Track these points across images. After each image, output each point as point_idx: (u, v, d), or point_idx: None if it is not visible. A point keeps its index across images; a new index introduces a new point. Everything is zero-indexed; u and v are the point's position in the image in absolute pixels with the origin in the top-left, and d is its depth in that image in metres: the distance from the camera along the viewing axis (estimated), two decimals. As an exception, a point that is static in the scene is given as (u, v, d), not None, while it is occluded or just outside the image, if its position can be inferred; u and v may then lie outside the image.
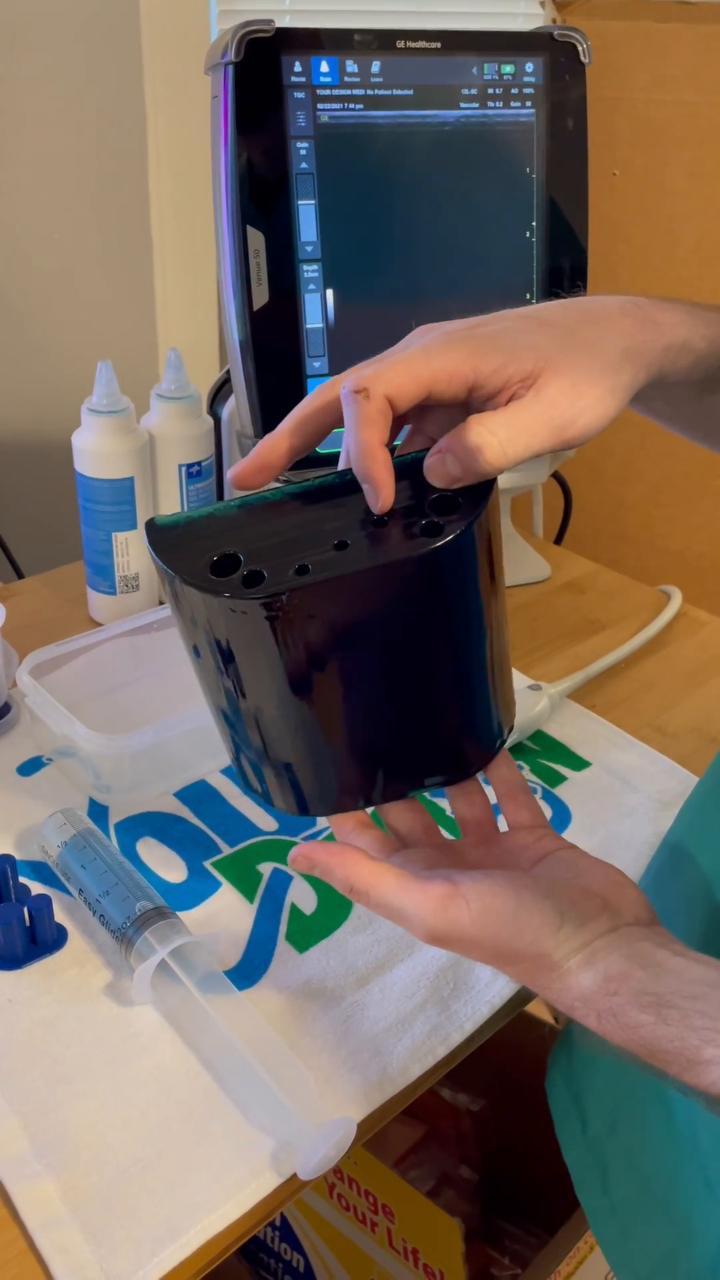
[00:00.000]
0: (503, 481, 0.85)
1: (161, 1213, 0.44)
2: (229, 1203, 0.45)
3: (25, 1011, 0.52)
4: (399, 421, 0.44)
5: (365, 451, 0.40)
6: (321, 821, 0.64)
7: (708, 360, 0.47)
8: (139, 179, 1.20)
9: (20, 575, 1.13)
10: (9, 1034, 0.51)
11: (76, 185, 1.16)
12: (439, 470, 0.41)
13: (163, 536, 0.42)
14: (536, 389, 0.41)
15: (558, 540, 1.05)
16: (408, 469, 0.43)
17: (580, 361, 0.41)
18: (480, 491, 0.41)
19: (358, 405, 0.40)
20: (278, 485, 0.45)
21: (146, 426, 0.77)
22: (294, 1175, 0.46)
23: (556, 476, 1.02)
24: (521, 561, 0.93)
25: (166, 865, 0.61)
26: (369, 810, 0.48)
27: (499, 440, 0.40)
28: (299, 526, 0.42)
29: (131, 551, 0.79)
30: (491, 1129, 1.12)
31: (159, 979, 0.53)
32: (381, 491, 0.40)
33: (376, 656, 0.43)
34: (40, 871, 0.60)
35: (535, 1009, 1.28)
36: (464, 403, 0.42)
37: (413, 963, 0.56)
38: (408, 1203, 0.87)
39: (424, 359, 0.41)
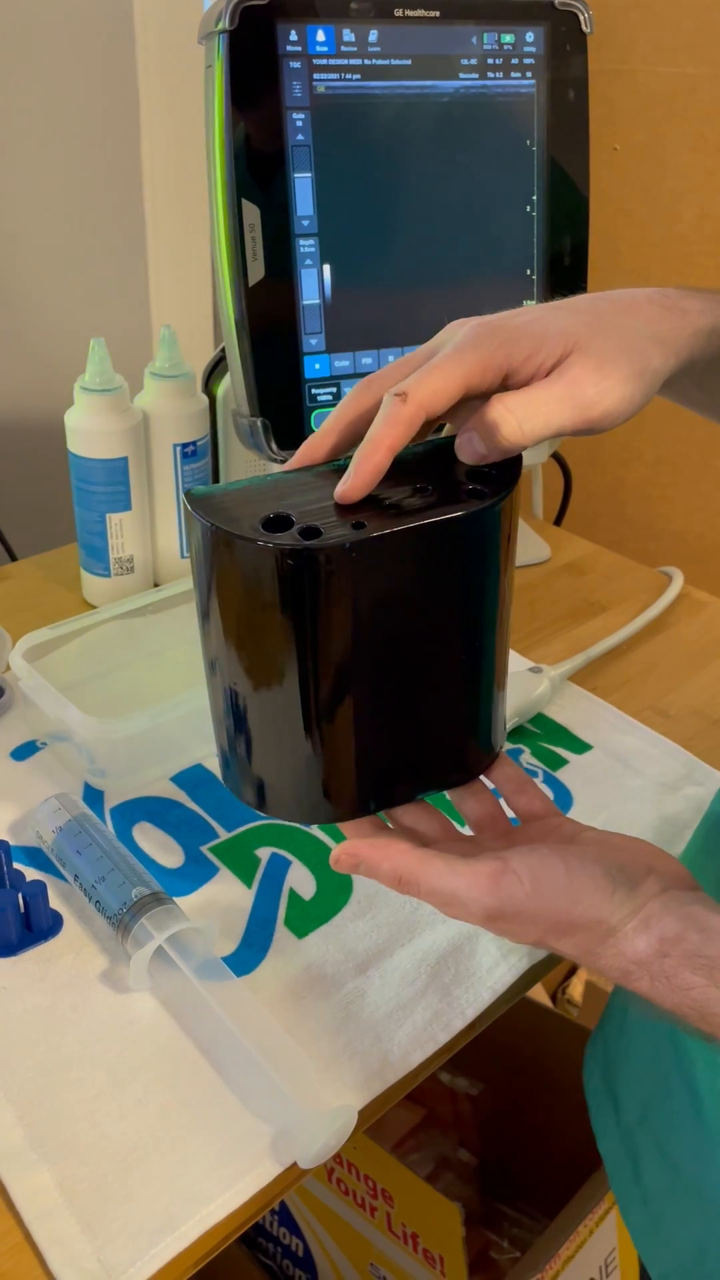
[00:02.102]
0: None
1: (159, 1203, 0.44)
2: (228, 1192, 0.44)
3: (20, 999, 0.52)
4: (434, 421, 0.44)
5: (371, 443, 0.41)
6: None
7: None
8: (131, 153, 1.18)
9: (13, 557, 1.12)
10: (4, 1022, 0.50)
11: (67, 161, 1.14)
12: (467, 448, 0.42)
13: (203, 504, 0.42)
14: (561, 369, 0.41)
15: (557, 521, 1.04)
16: (441, 451, 0.44)
17: (608, 344, 0.42)
18: (511, 470, 0.43)
19: (393, 405, 0.41)
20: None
21: (140, 405, 0.76)
22: (294, 1164, 0.46)
23: (556, 457, 1.01)
24: (522, 543, 0.92)
25: (163, 850, 0.60)
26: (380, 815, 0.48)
27: (516, 418, 0.41)
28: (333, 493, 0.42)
29: (126, 533, 0.77)
30: (490, 1113, 1.12)
31: (156, 965, 0.52)
32: (354, 479, 0.41)
33: (417, 628, 0.43)
34: (35, 857, 0.59)
35: (535, 994, 1.28)
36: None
37: (413, 948, 0.55)
38: (407, 1187, 0.86)
39: (457, 360, 0.42)
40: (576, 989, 1.31)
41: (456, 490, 0.42)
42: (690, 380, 0.48)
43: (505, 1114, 1.11)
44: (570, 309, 0.44)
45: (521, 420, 0.41)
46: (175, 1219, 0.43)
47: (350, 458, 0.43)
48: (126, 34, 1.06)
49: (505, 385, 0.42)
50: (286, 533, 0.40)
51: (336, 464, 0.44)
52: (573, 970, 1.31)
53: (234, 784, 0.48)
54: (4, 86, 1.07)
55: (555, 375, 0.41)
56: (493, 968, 0.54)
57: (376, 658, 0.43)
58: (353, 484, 0.41)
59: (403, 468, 0.43)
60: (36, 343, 1.16)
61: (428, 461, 0.44)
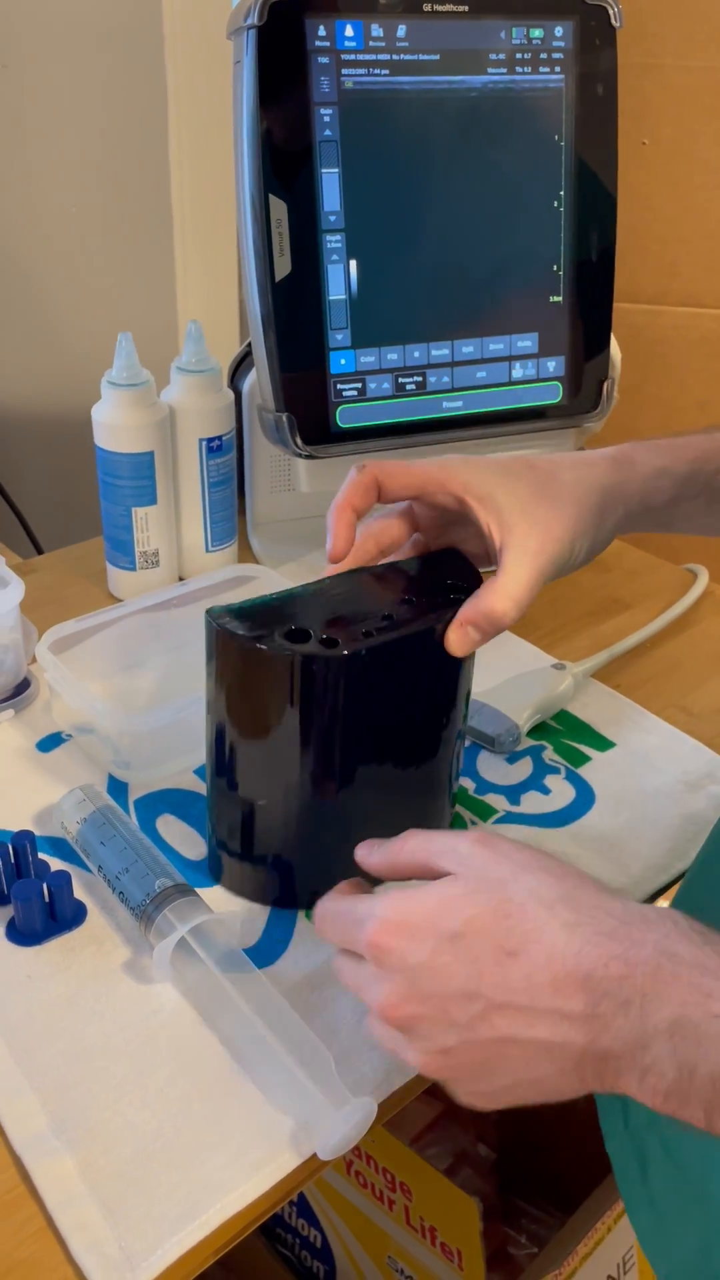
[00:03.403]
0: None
1: (180, 1191, 0.44)
2: (248, 1182, 0.45)
3: (44, 988, 0.52)
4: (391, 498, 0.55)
5: (335, 506, 0.53)
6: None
7: (696, 479, 0.57)
8: (159, 149, 1.18)
9: (40, 551, 1.13)
10: (29, 1010, 0.51)
11: (96, 157, 1.15)
12: (460, 644, 0.52)
13: (226, 622, 0.51)
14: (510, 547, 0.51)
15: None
16: (413, 567, 0.57)
17: (541, 511, 0.52)
18: (474, 578, 0.55)
19: (351, 475, 0.53)
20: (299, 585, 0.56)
21: (167, 400, 0.77)
22: (313, 1155, 0.46)
23: (581, 453, 1.00)
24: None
25: (186, 842, 0.61)
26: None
27: (516, 604, 0.51)
28: (345, 606, 0.53)
29: (151, 527, 0.78)
30: (510, 1109, 1.12)
31: (179, 956, 0.52)
32: (333, 539, 0.53)
33: (412, 715, 0.54)
34: (60, 848, 0.60)
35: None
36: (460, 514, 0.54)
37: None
38: (425, 1181, 0.87)
39: (422, 463, 0.54)
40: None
41: (442, 598, 0.53)
42: (667, 518, 0.58)
43: (524, 1110, 1.10)
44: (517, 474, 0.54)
45: (519, 604, 0.51)
46: (196, 1207, 0.44)
47: (325, 579, 0.55)
48: (155, 28, 1.06)
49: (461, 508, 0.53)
50: (308, 644, 0.50)
51: (321, 582, 0.55)
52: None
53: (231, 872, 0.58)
54: (34, 82, 1.07)
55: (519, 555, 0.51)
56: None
57: (390, 734, 0.54)
58: (333, 544, 0.53)
59: (400, 579, 0.55)
60: (65, 338, 1.17)
61: (408, 572, 0.56)
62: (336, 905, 0.45)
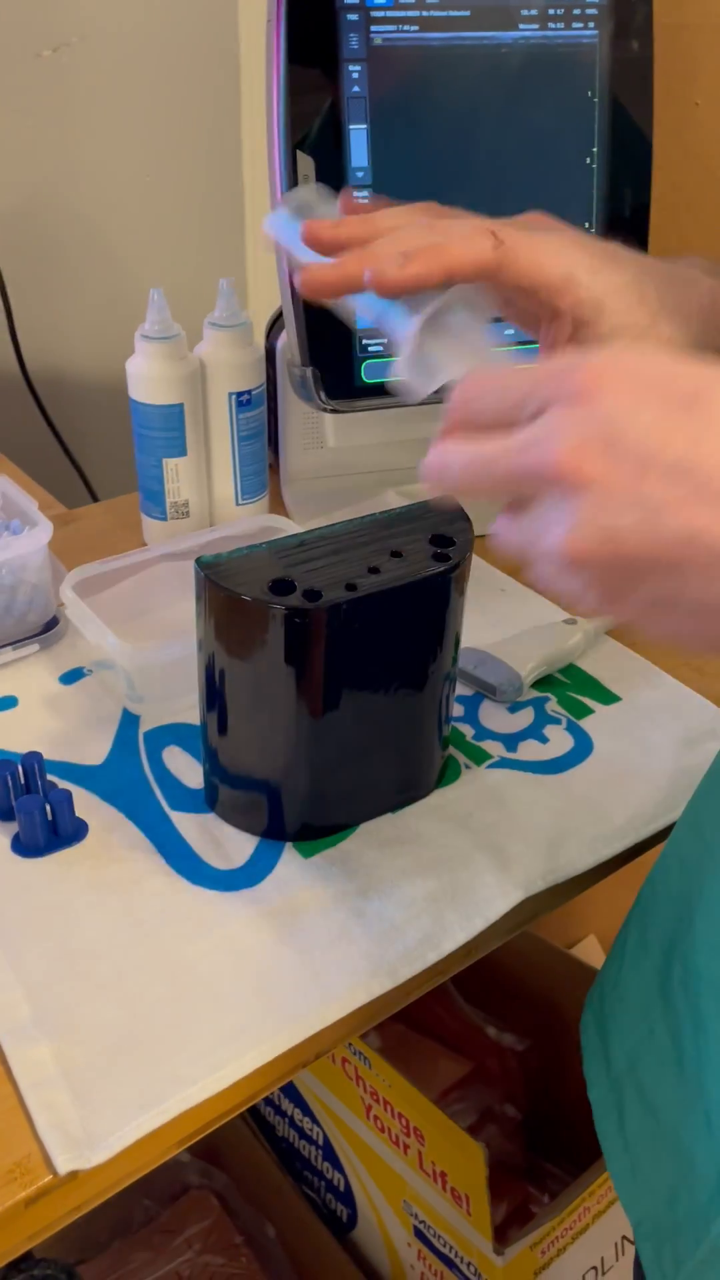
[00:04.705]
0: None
1: (145, 1082, 0.47)
2: (209, 1078, 0.47)
3: (40, 896, 0.56)
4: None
5: (427, 249, 0.44)
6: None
7: None
8: (231, 114, 1.21)
9: (95, 498, 1.17)
10: (24, 914, 0.54)
11: (169, 123, 1.18)
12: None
13: (214, 571, 0.53)
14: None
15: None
16: (410, 515, 0.58)
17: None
18: (467, 534, 0.57)
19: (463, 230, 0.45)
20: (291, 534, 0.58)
21: (198, 355, 0.79)
22: (267, 1063, 0.48)
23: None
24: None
25: (189, 772, 0.64)
26: None
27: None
28: (333, 556, 0.54)
29: (181, 478, 0.81)
30: (537, 1070, 1.13)
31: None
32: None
33: (397, 662, 0.56)
34: (71, 772, 0.63)
35: (583, 954, 1.28)
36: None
37: (414, 878, 0.57)
38: (436, 1126, 0.88)
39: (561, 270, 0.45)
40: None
41: (426, 553, 0.55)
42: None
43: (551, 1073, 1.12)
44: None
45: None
46: (158, 1097, 0.46)
47: (319, 529, 0.56)
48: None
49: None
50: (289, 596, 0.51)
51: (313, 532, 0.57)
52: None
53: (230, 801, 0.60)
54: (109, 57, 1.11)
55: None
56: (490, 899, 0.56)
57: (368, 684, 0.55)
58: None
59: (390, 527, 0.57)
60: (135, 300, 1.21)
61: (403, 525, 0.57)
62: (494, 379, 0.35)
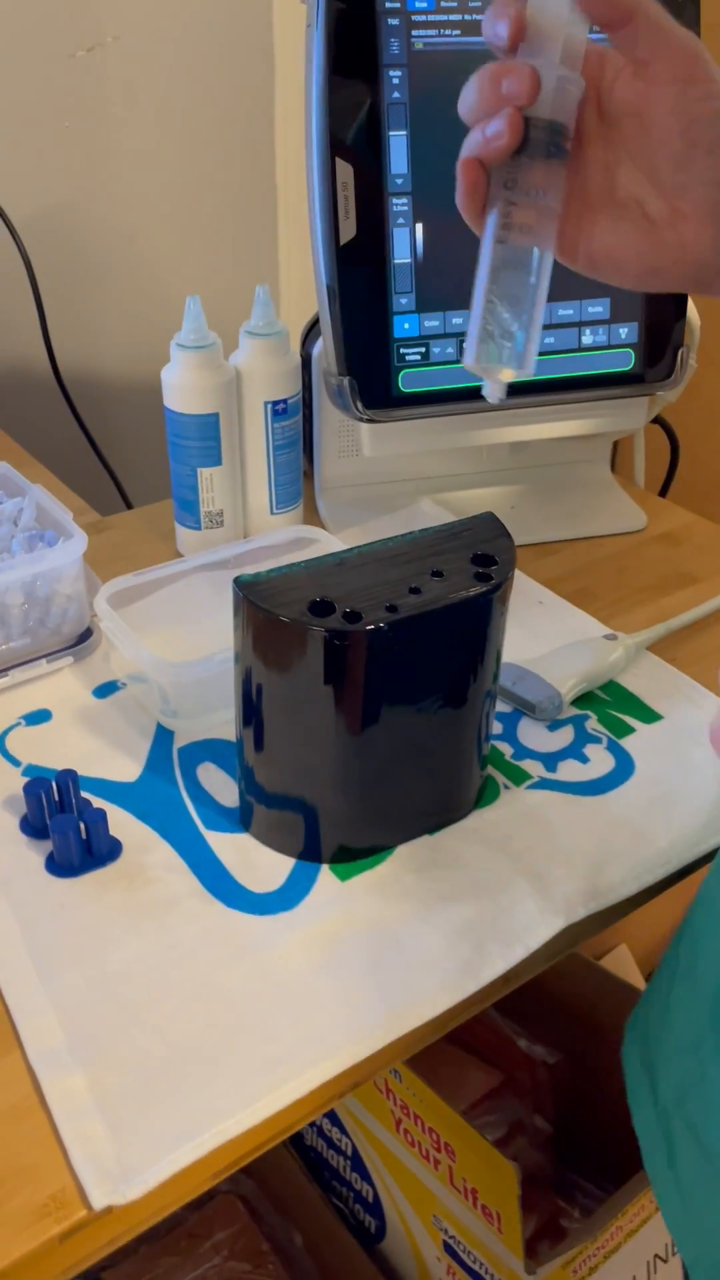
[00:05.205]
0: (595, 427, 0.82)
1: (180, 1114, 0.46)
2: (244, 1111, 0.46)
3: (75, 917, 0.55)
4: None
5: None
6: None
7: None
8: (264, 119, 1.20)
9: (130, 506, 1.17)
10: (58, 936, 0.54)
11: (202, 128, 1.17)
12: None
13: (252, 590, 0.52)
14: None
15: (663, 492, 1.02)
16: (451, 533, 0.57)
17: None
18: (508, 553, 0.56)
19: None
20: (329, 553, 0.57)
21: (234, 364, 0.78)
22: (306, 1094, 0.47)
23: (662, 424, 0.98)
24: (614, 511, 0.90)
25: (223, 790, 0.63)
26: None
27: None
28: (373, 577, 0.54)
29: (216, 487, 0.80)
30: (568, 1083, 1.12)
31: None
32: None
33: (437, 681, 0.55)
34: (104, 789, 0.63)
35: (614, 966, 1.26)
36: None
37: (453, 903, 0.56)
38: (467, 1143, 0.88)
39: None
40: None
41: (466, 573, 0.54)
42: None
43: (583, 1086, 1.11)
44: None
45: None
46: (194, 1130, 0.46)
47: (355, 548, 0.56)
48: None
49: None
50: (330, 618, 0.51)
51: (348, 552, 0.56)
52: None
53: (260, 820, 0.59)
54: (141, 60, 1.10)
55: None
56: (531, 927, 0.55)
57: (410, 705, 0.54)
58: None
59: (431, 547, 0.56)
60: (168, 307, 1.20)
61: (444, 543, 0.56)
62: None
